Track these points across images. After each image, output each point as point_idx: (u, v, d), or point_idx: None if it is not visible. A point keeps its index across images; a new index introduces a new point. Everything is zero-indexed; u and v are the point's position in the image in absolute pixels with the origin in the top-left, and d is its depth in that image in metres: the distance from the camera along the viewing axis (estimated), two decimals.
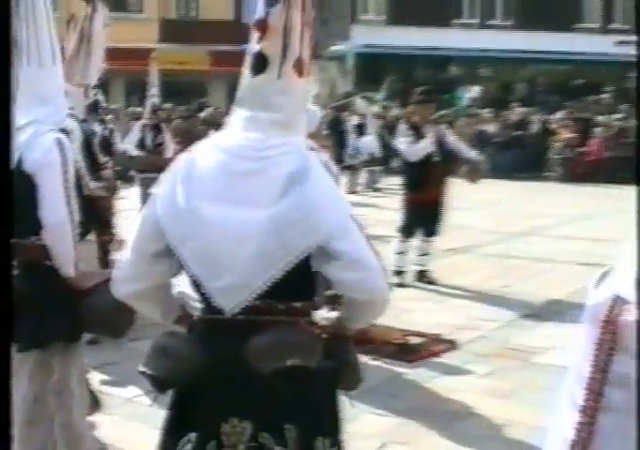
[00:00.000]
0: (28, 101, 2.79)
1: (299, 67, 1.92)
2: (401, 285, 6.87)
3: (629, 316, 0.84)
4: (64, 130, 2.89)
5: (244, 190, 1.86)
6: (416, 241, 7.23)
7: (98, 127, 5.75)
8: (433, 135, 6.92)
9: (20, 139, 2.72)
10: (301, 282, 1.88)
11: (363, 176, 14.73)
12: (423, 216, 7.05)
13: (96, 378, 4.01)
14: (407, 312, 5.94)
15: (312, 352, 1.87)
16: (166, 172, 1.96)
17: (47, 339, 2.72)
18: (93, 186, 3.90)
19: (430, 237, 7.22)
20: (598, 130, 17.87)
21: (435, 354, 5.15)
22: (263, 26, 1.89)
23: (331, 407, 1.99)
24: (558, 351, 5.10)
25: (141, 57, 12.67)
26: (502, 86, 29.98)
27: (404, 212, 7.15)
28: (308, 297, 1.95)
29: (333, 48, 27.27)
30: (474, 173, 7.24)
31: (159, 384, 1.92)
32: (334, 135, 12.75)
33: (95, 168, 4.92)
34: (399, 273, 7.05)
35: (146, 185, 7.52)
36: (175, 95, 20.10)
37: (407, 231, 7.12)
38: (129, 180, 9.19)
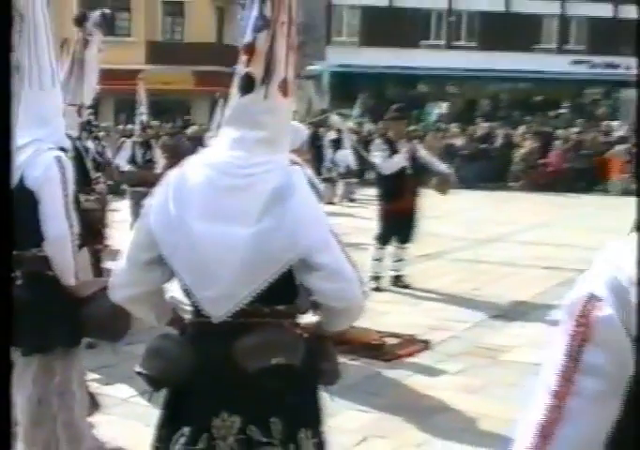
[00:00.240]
0: (29, 121, 2.79)
1: (284, 88, 1.94)
2: (377, 289, 6.90)
3: (599, 312, 0.89)
4: (63, 149, 2.89)
5: (230, 205, 1.88)
6: (391, 248, 7.26)
7: (91, 144, 5.74)
8: (406, 150, 6.98)
9: (21, 157, 2.72)
10: (284, 288, 1.91)
11: (340, 188, 14.77)
12: (398, 224, 7.10)
13: (94, 380, 4.00)
14: (384, 315, 5.95)
15: (295, 351, 1.90)
16: (159, 186, 1.98)
17: (49, 344, 2.72)
18: (83, 199, 3.90)
19: (404, 244, 7.27)
20: (557, 143, 18.06)
21: (411, 354, 5.16)
22: (251, 50, 1.92)
23: (313, 401, 2.02)
24: (524, 348, 5.16)
25: (129, 78, 12.64)
26: (468, 103, 30.24)
27: (380, 221, 7.19)
28: (290, 301, 1.97)
29: (310, 68, 27.35)
30: (444, 185, 7.31)
31: (153, 383, 1.95)
32: (312, 149, 12.77)
33: (87, 182, 4.91)
34: (376, 278, 7.08)
35: (137, 198, 7.51)
36: (162, 113, 20.08)
37: (383, 238, 7.16)
38: (120, 194, 9.15)
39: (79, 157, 4.90)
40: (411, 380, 4.70)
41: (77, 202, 2.94)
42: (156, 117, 13.78)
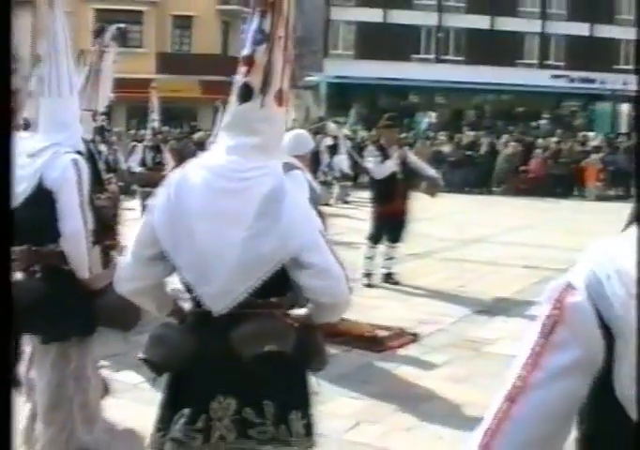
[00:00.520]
0: (48, 127, 2.81)
1: (280, 98, 1.96)
2: (369, 285, 6.91)
3: (572, 299, 0.93)
4: (79, 152, 2.90)
5: (226, 207, 1.89)
6: (382, 247, 7.27)
7: (103, 148, 5.74)
8: (397, 156, 6.99)
9: (41, 160, 2.74)
10: (277, 282, 1.92)
11: (336, 190, 14.79)
12: (389, 225, 7.11)
13: (106, 366, 4.00)
14: (375, 309, 5.95)
15: (287, 339, 1.92)
16: (162, 186, 1.99)
17: (66, 333, 2.73)
18: (94, 197, 3.91)
19: (395, 244, 7.27)
20: (537, 151, 18.10)
21: (401, 346, 5.16)
22: (249, 61, 1.94)
23: (302, 385, 2.03)
24: (506, 341, 5.17)
25: (140, 86, 12.65)
26: (455, 113, 30.29)
27: (373, 222, 7.20)
28: (283, 293, 1.99)
29: (308, 78, 27.38)
30: (433, 189, 7.33)
31: (156, 369, 1.97)
32: (310, 154, 12.77)
33: (99, 182, 4.91)
34: (368, 275, 7.08)
35: (146, 197, 7.52)
36: (171, 119, 20.07)
37: (375, 238, 7.17)
38: (131, 193, 9.15)
39: (92, 160, 4.91)
40: (401, 370, 4.71)
41: (91, 201, 2.94)
42: (165, 123, 13.79)
